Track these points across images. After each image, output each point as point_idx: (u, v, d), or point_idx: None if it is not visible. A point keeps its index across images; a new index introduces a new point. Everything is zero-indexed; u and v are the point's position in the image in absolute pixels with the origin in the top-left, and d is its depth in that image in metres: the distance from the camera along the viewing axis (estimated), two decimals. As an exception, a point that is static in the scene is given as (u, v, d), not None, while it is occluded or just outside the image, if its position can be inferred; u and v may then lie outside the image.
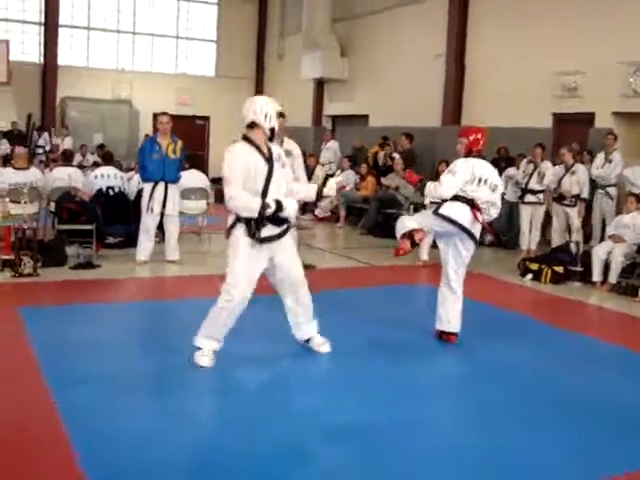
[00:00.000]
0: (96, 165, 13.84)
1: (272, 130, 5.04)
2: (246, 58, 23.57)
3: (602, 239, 10.00)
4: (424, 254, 9.84)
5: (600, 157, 11.04)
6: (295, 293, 5.34)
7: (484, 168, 6.00)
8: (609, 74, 11.79)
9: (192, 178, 10.71)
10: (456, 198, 5.92)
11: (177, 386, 4.81)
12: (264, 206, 4.87)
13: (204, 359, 5.07)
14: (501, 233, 11.60)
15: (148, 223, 8.83)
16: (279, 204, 4.93)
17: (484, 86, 14.49)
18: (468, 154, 6.03)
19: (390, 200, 12.97)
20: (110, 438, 3.92)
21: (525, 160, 11.07)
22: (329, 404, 4.63)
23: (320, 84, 20.30)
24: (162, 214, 8.89)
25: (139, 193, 10.13)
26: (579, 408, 4.80)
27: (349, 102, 19.02)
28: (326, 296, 7.73)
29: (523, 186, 10.82)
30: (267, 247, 5.05)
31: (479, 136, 6.06)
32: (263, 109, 4.99)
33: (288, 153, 8.01)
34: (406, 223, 6.03)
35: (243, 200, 4.87)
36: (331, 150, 16.74)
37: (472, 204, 5.89)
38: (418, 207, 12.13)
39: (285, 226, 5.13)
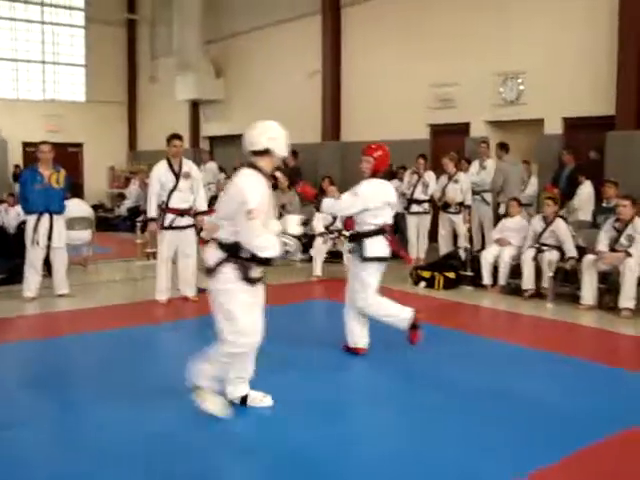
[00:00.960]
0: (-34, 200, 13.13)
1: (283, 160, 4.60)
2: (117, 82, 23.09)
3: (483, 243, 10.40)
4: (317, 270, 9.92)
5: (475, 164, 11.52)
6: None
7: (389, 190, 6.07)
8: (481, 85, 12.31)
9: (75, 208, 10.33)
10: (373, 233, 5.97)
11: (82, 426, 4.58)
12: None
13: (217, 407, 4.59)
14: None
15: (34, 257, 8.44)
16: (306, 223, 4.66)
17: (361, 100, 14.78)
18: (374, 174, 6.00)
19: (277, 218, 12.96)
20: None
21: (409, 171, 11.37)
22: (260, 428, 4.57)
23: (195, 105, 20.16)
24: (48, 246, 8.54)
25: (19, 226, 9.71)
26: (488, 406, 4.97)
27: (226, 122, 18.95)
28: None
29: (409, 197, 11.10)
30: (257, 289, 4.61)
31: (383, 153, 6.02)
32: (280, 135, 4.50)
33: (187, 175, 8.14)
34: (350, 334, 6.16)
35: (270, 238, 4.37)
36: (210, 171, 16.59)
37: (383, 231, 6.00)
38: (307, 222, 12.23)
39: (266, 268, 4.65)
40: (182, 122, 19.85)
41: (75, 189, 10.51)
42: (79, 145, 22.21)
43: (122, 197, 19.12)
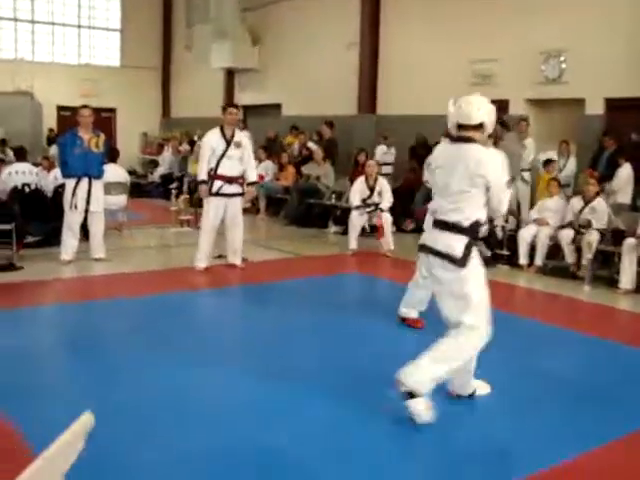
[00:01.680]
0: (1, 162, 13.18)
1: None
2: (152, 48, 23.07)
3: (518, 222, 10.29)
4: (353, 243, 9.87)
5: (514, 143, 11.35)
6: None
7: None
8: (522, 62, 12.11)
9: (112, 172, 10.38)
10: None
11: (115, 391, 4.57)
12: None
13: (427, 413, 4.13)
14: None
15: (72, 220, 8.48)
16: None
17: (398, 74, 14.61)
18: None
19: (311, 190, 12.94)
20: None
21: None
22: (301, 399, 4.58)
23: (230, 74, 20.06)
24: (85, 210, 8.58)
25: (56, 189, 9.75)
26: (520, 385, 4.93)
27: (261, 92, 18.87)
28: (265, 289, 7.73)
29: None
30: None
31: None
32: (492, 111, 4.23)
33: (238, 144, 8.21)
34: None
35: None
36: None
37: None
38: (341, 195, 12.21)
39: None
40: (217, 90, 19.80)
41: (112, 154, 10.52)
42: (112, 110, 22.25)
43: (154, 163, 19.18)
